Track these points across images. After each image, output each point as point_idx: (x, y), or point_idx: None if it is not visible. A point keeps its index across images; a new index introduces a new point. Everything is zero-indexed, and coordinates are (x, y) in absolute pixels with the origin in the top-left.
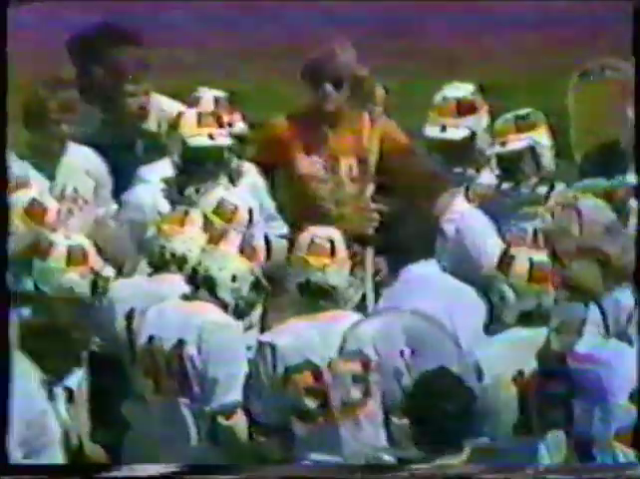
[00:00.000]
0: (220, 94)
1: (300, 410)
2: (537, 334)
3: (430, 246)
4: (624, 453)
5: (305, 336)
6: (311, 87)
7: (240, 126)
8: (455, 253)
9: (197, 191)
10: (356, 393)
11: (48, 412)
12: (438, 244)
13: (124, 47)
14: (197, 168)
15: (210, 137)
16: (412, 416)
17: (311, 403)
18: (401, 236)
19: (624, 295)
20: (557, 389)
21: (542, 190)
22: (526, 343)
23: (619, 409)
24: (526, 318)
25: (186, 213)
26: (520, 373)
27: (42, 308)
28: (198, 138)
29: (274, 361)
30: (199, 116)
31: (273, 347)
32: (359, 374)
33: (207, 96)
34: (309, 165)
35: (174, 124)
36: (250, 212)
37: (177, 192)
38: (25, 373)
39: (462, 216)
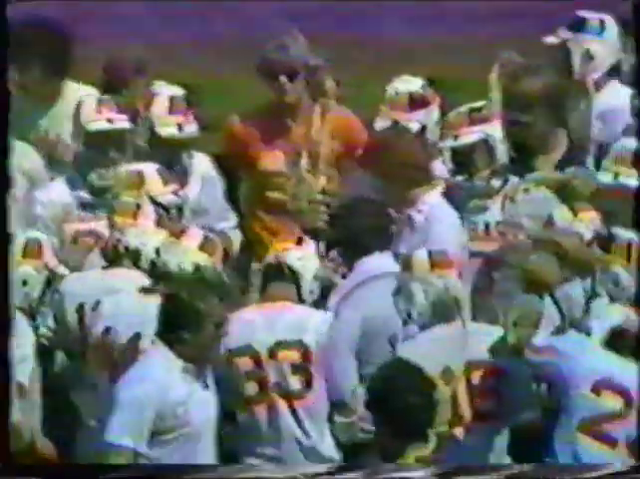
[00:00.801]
0: (177, 91)
1: (241, 395)
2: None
3: (385, 239)
4: (586, 445)
5: (251, 322)
6: (267, 80)
7: (192, 123)
8: (420, 244)
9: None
10: (295, 384)
11: None
12: (404, 234)
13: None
14: (98, 153)
15: (109, 121)
16: (373, 410)
17: (250, 388)
18: (355, 228)
19: (577, 287)
20: (490, 381)
21: (495, 183)
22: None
23: (582, 400)
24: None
25: (139, 206)
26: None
27: None
28: (98, 122)
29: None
30: (100, 101)
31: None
32: (298, 364)
33: (164, 93)
34: (271, 159)
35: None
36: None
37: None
38: None
39: (430, 207)
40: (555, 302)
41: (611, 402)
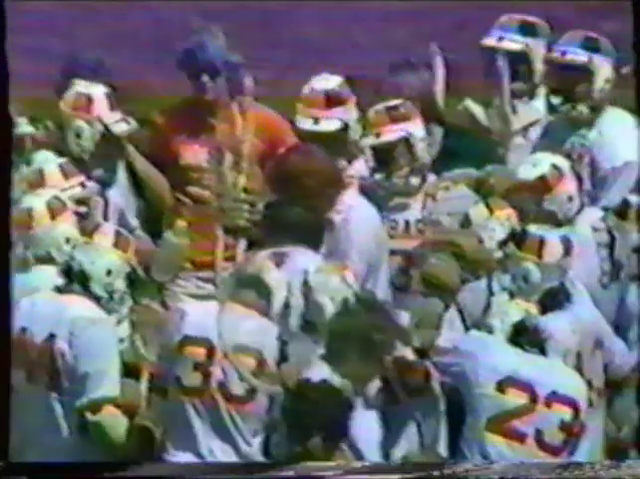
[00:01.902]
0: (104, 89)
1: (182, 382)
2: None
3: (313, 237)
4: (493, 443)
5: (215, 316)
6: (188, 77)
7: (119, 120)
8: (340, 243)
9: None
10: (239, 389)
11: None
12: (326, 235)
13: None
14: None
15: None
16: (290, 423)
17: (196, 379)
18: (280, 227)
19: (479, 287)
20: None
21: (415, 180)
22: None
23: (487, 399)
24: None
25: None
26: None
27: None
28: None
29: (178, 327)
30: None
31: (182, 313)
32: (251, 372)
33: (98, 92)
34: (192, 153)
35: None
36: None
37: None
38: None
39: (349, 207)
40: (455, 303)
41: (517, 399)
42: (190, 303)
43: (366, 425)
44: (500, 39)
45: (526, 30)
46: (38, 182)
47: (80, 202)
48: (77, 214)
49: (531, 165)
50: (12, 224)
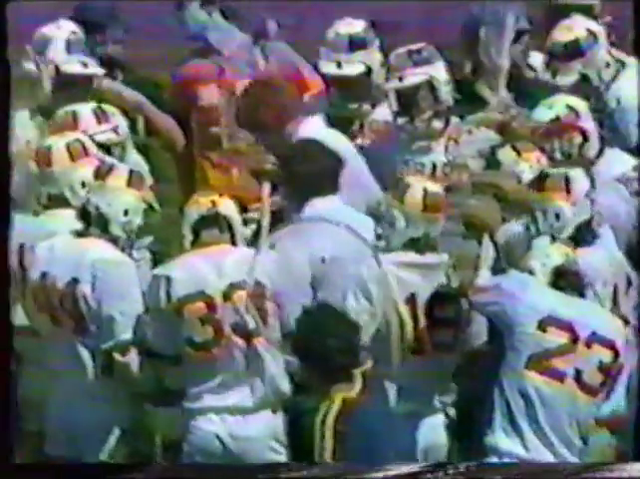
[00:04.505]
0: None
1: (193, 341)
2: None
3: (334, 182)
4: (533, 381)
5: (198, 268)
6: None
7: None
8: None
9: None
10: (251, 322)
11: None
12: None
13: None
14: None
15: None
16: (297, 353)
17: (205, 333)
18: (303, 171)
19: (517, 227)
20: (448, 313)
21: (438, 124)
22: (417, 268)
23: (527, 337)
24: (413, 244)
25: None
26: (413, 296)
27: None
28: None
29: (169, 293)
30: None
31: (168, 279)
32: (255, 303)
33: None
34: (208, 95)
35: None
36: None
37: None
38: None
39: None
40: (495, 244)
41: (557, 338)
42: (169, 266)
43: None
44: None
45: None
46: (70, 125)
47: (106, 147)
48: (100, 161)
49: (547, 107)
50: (30, 159)
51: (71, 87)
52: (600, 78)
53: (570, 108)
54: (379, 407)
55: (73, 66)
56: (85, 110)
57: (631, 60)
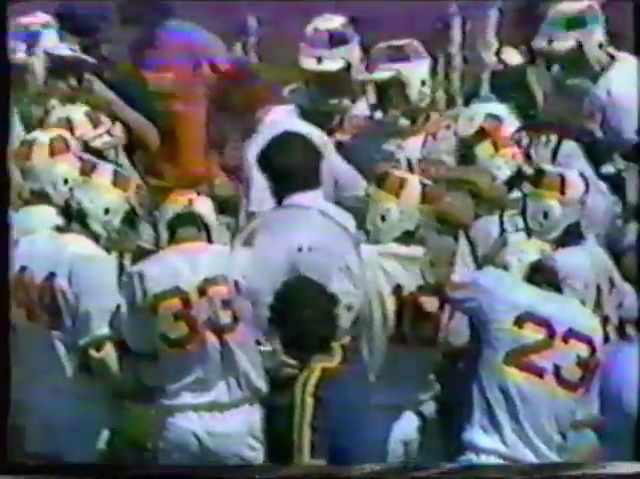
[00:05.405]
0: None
1: (168, 337)
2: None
3: (315, 176)
4: (513, 377)
5: (173, 265)
6: None
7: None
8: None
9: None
10: (226, 318)
11: None
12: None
13: None
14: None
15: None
16: (277, 325)
17: (179, 330)
18: (285, 166)
19: (492, 223)
20: (432, 306)
21: (408, 120)
22: (407, 260)
23: (504, 334)
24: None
25: (62, 144)
26: (399, 287)
27: None
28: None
29: (143, 290)
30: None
31: (141, 276)
32: (228, 299)
33: None
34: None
35: None
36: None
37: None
38: None
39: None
40: (469, 240)
41: (534, 334)
42: (143, 263)
43: None
44: None
45: None
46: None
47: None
48: (81, 159)
49: (468, 119)
50: (12, 154)
51: (62, 76)
52: (597, 59)
53: (491, 116)
54: (358, 381)
55: (63, 50)
56: (78, 115)
57: (624, 55)
